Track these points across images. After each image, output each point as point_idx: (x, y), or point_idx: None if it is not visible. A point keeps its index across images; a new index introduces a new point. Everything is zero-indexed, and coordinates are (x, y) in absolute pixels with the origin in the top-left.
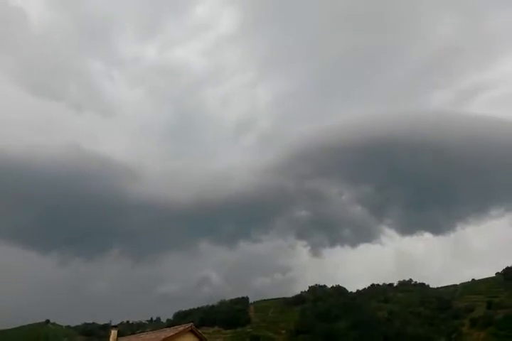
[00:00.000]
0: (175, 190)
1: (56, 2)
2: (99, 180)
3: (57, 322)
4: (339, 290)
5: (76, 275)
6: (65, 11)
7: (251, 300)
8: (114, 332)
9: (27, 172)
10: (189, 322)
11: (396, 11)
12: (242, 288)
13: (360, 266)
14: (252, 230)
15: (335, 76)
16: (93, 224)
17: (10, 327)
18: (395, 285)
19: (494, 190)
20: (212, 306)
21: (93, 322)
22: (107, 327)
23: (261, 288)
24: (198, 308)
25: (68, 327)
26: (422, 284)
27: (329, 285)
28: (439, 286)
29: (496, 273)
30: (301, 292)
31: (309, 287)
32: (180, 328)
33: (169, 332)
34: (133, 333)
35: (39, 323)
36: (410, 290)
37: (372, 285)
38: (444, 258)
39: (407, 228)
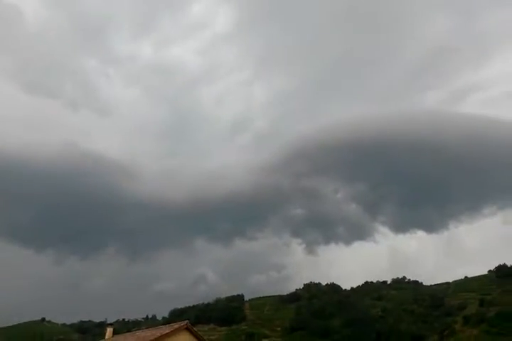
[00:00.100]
0: (171, 188)
1: (52, 0)
2: (95, 179)
3: (53, 320)
4: (333, 287)
5: (72, 273)
6: (61, 9)
7: (246, 298)
8: (109, 330)
9: (23, 170)
10: (184, 320)
11: (390, 11)
12: (237, 285)
13: (354, 263)
14: (247, 228)
15: (330, 75)
16: (89, 223)
17: (5, 325)
18: (389, 282)
19: (487, 189)
20: (208, 304)
21: (89, 320)
22: (102, 325)
23: (256, 285)
24: (193, 306)
25: (64, 324)
26: (415, 282)
27: (324, 283)
28: (432, 284)
29: (489, 271)
30: (296, 289)
31: (304, 284)
32: (176, 326)
33: (165, 329)
34: (128, 331)
35: (35, 321)
36: (403, 288)
37: (366, 282)
38: (437, 256)
39: (401, 226)
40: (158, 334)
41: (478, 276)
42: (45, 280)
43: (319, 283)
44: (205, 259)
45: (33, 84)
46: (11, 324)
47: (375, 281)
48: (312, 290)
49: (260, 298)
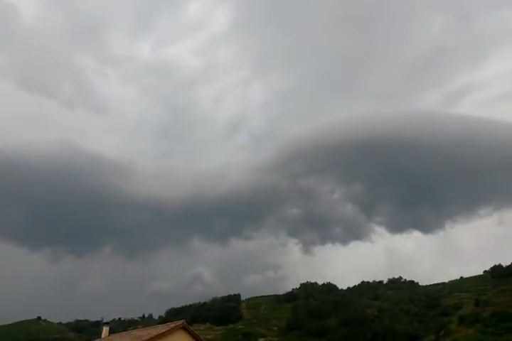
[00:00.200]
0: (167, 188)
1: None
2: (91, 178)
3: (49, 319)
4: (330, 287)
5: (68, 272)
6: (58, 7)
7: (243, 298)
8: (105, 329)
9: (18, 168)
10: (181, 319)
11: (387, 12)
12: (234, 285)
13: (351, 263)
14: (244, 228)
15: (327, 76)
16: (85, 221)
17: (1, 324)
18: (385, 282)
19: (483, 190)
20: (204, 303)
21: (85, 319)
22: (98, 324)
23: (253, 285)
24: (190, 305)
25: (60, 323)
26: (411, 282)
27: (320, 283)
28: (428, 284)
29: (484, 271)
30: (293, 289)
31: (301, 284)
32: (172, 325)
33: (161, 328)
34: (125, 330)
35: (30, 320)
36: (400, 288)
37: (363, 282)
38: (433, 256)
39: (397, 226)
40: (155, 334)
41: (474, 276)
42: (41, 279)
43: (316, 283)
44: (201, 259)
45: (30, 82)
46: (6, 323)
47: (371, 281)
48: (308, 289)
49: (257, 297)
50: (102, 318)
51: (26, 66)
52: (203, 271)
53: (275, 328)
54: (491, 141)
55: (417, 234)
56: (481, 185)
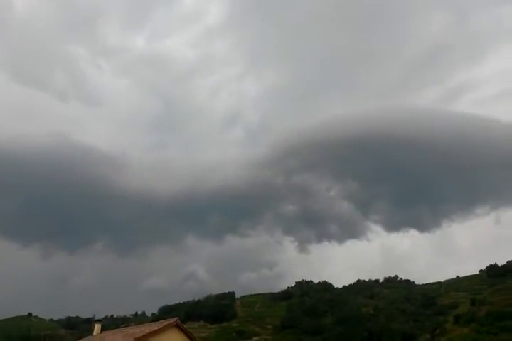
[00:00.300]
0: (161, 181)
1: None
2: (84, 170)
3: (40, 316)
4: (326, 285)
5: (59, 268)
6: None
7: (237, 295)
8: (97, 326)
9: (10, 161)
10: (174, 317)
11: (387, 9)
12: (228, 282)
13: (347, 261)
14: (239, 225)
15: (323, 72)
16: (77, 216)
17: None
18: (381, 281)
19: (480, 189)
20: (198, 301)
21: (77, 316)
22: (90, 321)
23: (248, 283)
24: (183, 303)
25: (51, 320)
26: (408, 281)
27: (316, 281)
28: (424, 283)
29: (480, 271)
30: (288, 287)
31: (296, 282)
32: (165, 323)
33: (154, 326)
34: (117, 327)
35: (21, 316)
36: (396, 287)
37: (358, 281)
38: (429, 255)
39: (394, 225)
40: (147, 331)
41: (470, 276)
42: (32, 275)
43: (311, 281)
44: (196, 256)
45: (22, 74)
46: None
47: (367, 280)
48: (304, 288)
49: (251, 295)
50: (94, 315)
51: (19, 57)
52: (198, 268)
53: (270, 326)
54: (490, 140)
55: (413, 232)
56: (478, 184)
